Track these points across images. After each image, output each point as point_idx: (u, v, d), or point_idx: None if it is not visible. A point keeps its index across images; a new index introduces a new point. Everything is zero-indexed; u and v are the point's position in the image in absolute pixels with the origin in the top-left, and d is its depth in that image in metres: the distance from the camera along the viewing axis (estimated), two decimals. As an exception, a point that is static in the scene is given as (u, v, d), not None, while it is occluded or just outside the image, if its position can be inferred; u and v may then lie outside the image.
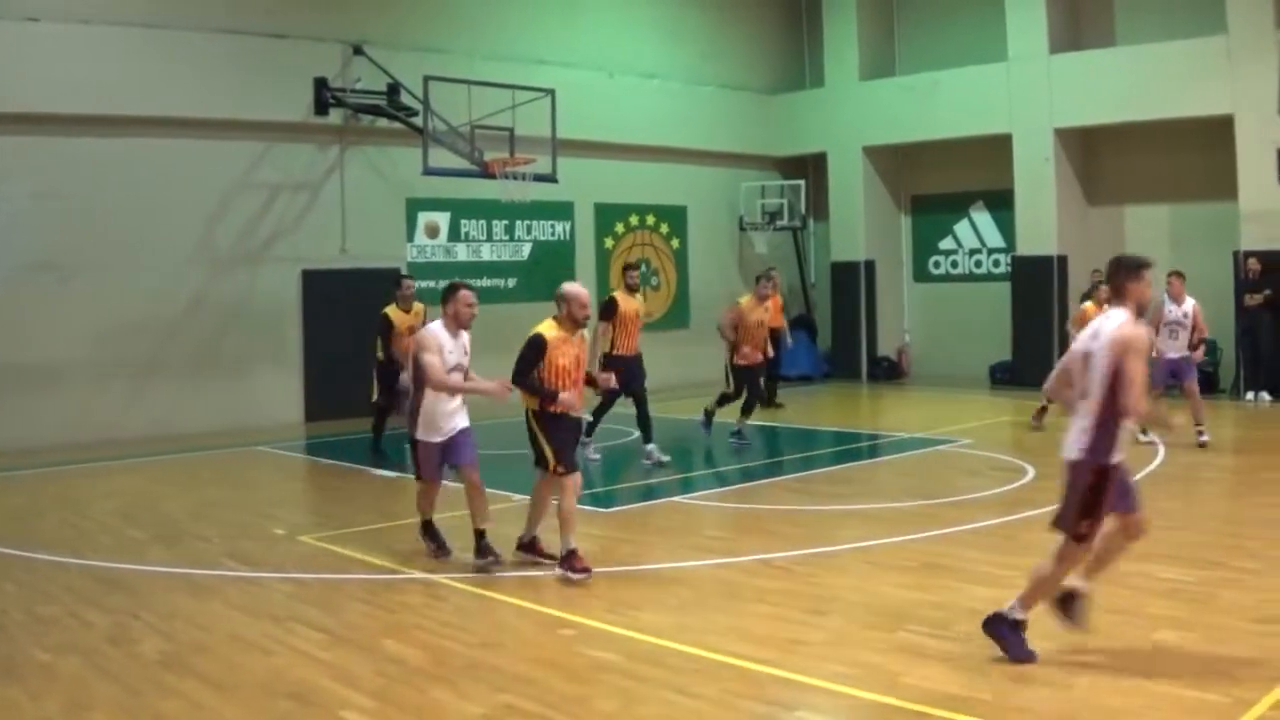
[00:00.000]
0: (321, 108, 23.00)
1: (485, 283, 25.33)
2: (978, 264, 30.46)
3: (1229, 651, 8.18)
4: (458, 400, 11.20)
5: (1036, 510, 13.24)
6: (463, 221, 25.68)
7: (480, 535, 11.12)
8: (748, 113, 31.42)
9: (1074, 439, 8.16)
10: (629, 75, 28.45)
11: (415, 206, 24.89)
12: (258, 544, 12.46)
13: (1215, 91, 24.74)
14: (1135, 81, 25.79)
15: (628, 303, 17.66)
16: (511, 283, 25.92)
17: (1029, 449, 18.35)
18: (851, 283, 30.62)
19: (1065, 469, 8.16)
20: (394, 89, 23.23)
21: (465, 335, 11.28)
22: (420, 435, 11.14)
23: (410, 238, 24.94)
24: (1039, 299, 27.44)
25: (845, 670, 7.93)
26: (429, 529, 11.73)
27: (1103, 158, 28.38)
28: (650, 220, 29.56)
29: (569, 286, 11.11)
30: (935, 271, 31.11)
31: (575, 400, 10.76)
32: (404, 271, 21.58)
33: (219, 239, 22.42)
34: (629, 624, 9.13)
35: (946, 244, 31.02)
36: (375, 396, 18.68)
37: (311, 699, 7.63)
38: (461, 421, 11.28)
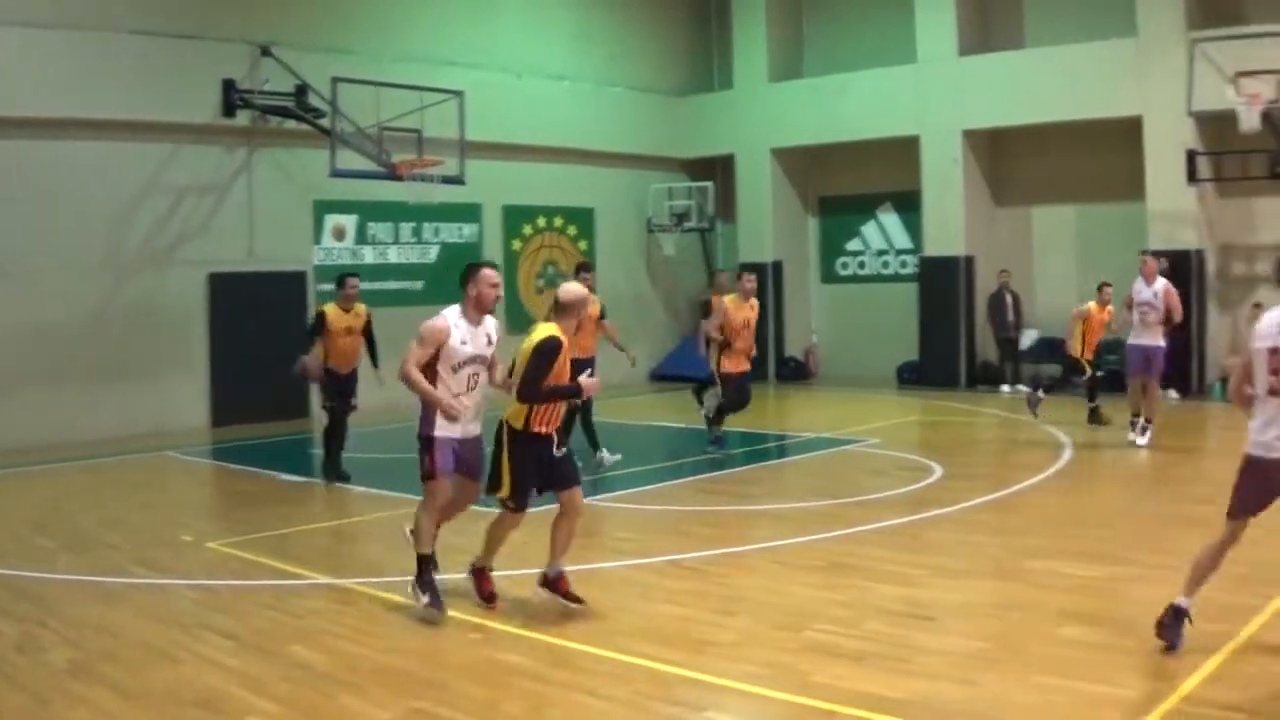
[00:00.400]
0: (229, 109, 22.76)
1: (392, 285, 25.27)
2: (885, 265, 30.66)
3: (1138, 646, 8.30)
4: (476, 398, 9.84)
5: (944, 509, 13.44)
6: (370, 224, 25.55)
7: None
8: (656, 114, 31.48)
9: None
10: (538, 77, 28.41)
11: (322, 209, 24.74)
12: (166, 550, 12.33)
13: (1124, 93, 25.06)
14: (1044, 83, 26.08)
15: (593, 303, 17.32)
16: (419, 285, 25.74)
17: (936, 448, 18.56)
18: (759, 284, 30.67)
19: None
20: (302, 90, 23.04)
21: (490, 322, 9.98)
22: (438, 431, 9.64)
23: (317, 240, 24.75)
24: (946, 299, 27.69)
25: (755, 670, 7.98)
26: (427, 568, 9.68)
27: (1011, 159, 28.65)
28: (558, 222, 29.54)
29: (570, 290, 9.71)
30: (843, 272, 31.30)
31: (594, 384, 9.95)
32: (310, 274, 21.49)
33: (126, 242, 22.16)
34: (537, 626, 9.13)
35: (854, 245, 31.19)
36: (324, 402, 16.91)
37: (219, 706, 7.59)
38: (475, 428, 9.90)
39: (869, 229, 30.97)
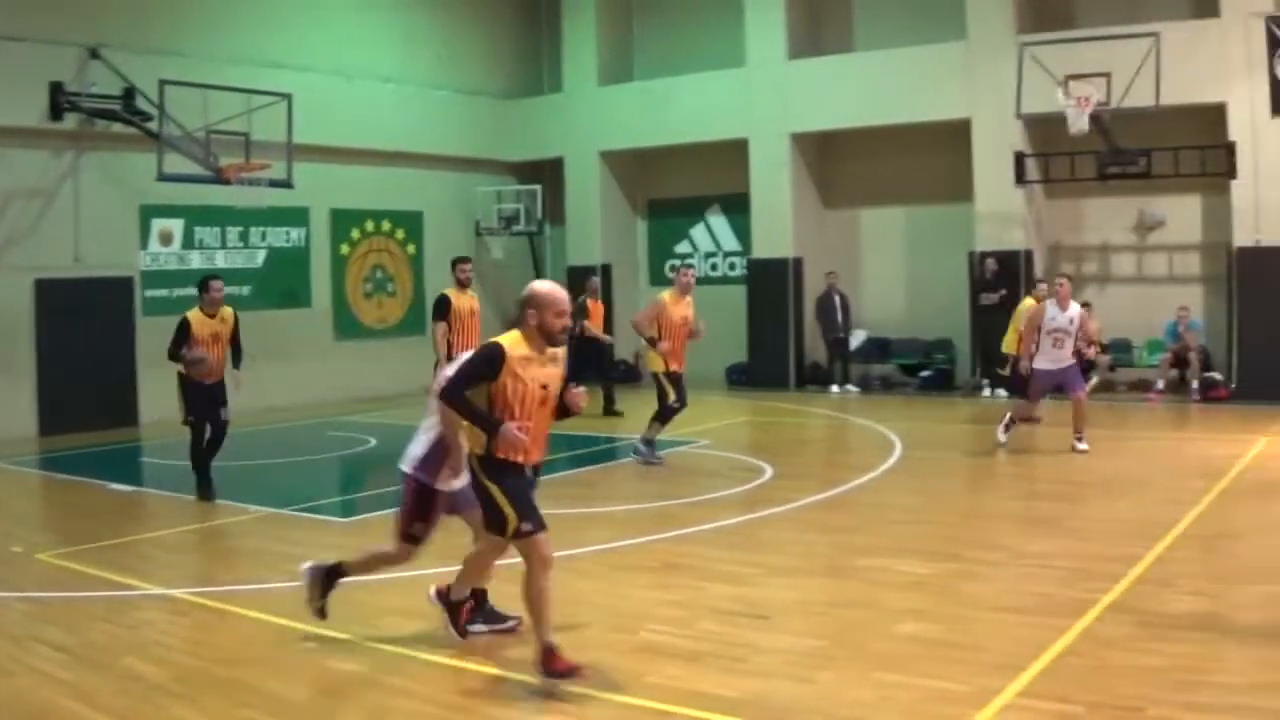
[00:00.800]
0: (56, 112, 22.19)
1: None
2: (714, 267, 30.83)
3: (971, 641, 8.46)
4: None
5: (776, 508, 13.56)
6: (197, 228, 25.09)
7: (484, 596, 9.32)
8: (485, 117, 31.35)
9: None
10: (367, 79, 28.16)
11: (149, 213, 24.25)
12: (-7, 562, 12.07)
13: (953, 96, 25.52)
14: (873, 86, 26.45)
15: (461, 299, 16.99)
16: (246, 290, 25.28)
17: (766, 448, 18.68)
18: (581, 288, 30.66)
19: None
20: (130, 93, 22.53)
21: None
22: (440, 484, 8.95)
23: (144, 245, 24.26)
24: (775, 301, 27.93)
25: (590, 672, 7.98)
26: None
27: (839, 161, 29.01)
28: (386, 226, 29.29)
29: (539, 286, 8.32)
30: (671, 275, 31.35)
31: (521, 440, 7.95)
32: (137, 279, 21.11)
33: (-50, 247, 21.60)
34: (373, 634, 9.10)
35: (682, 248, 31.35)
36: (185, 418, 15.50)
37: None
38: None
39: (697, 231, 31.15)
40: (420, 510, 9.04)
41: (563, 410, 8.46)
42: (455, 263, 17.52)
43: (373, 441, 18.59)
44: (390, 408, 19.00)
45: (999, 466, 17.08)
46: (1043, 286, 20.68)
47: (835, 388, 26.79)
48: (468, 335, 16.40)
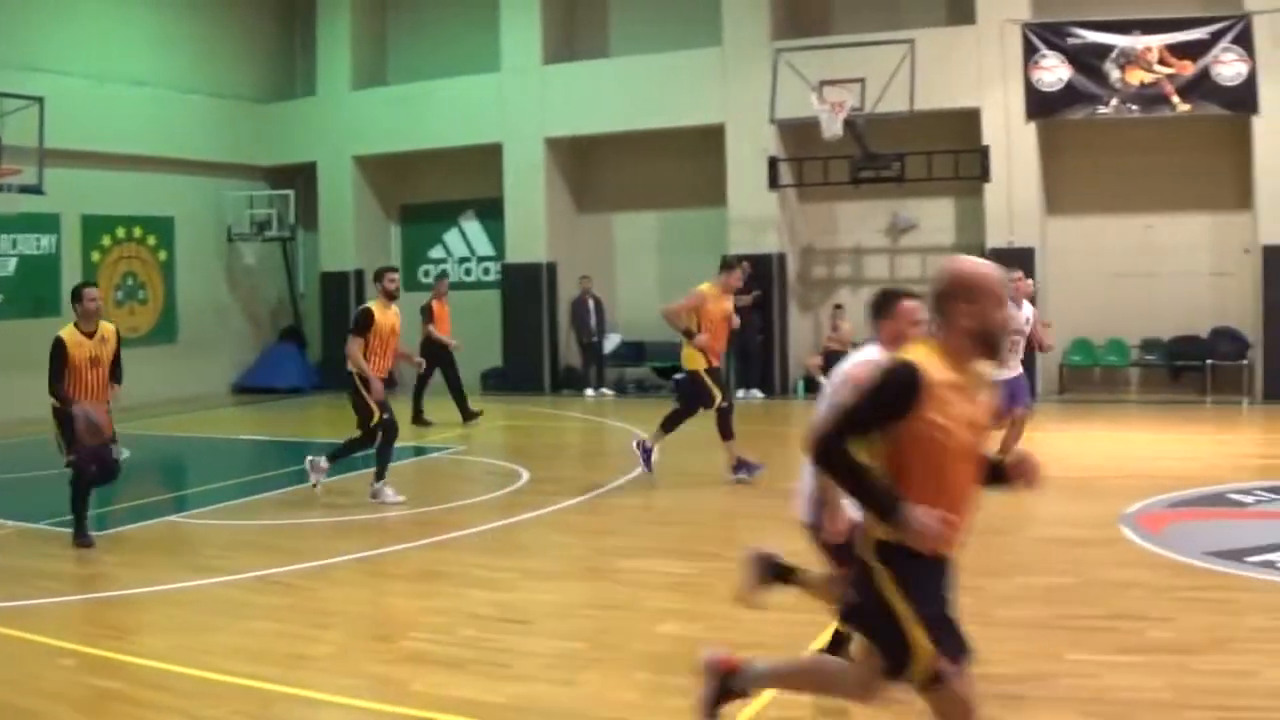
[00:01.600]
0: None
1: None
2: (468, 272, 30.71)
3: (732, 639, 8.46)
4: None
5: (533, 512, 13.53)
6: (-59, 236, 24.20)
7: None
8: (238, 121, 30.67)
9: None
10: (120, 83, 27.31)
11: (-108, 220, 23.31)
12: None
13: (708, 101, 25.80)
14: (629, 92, 26.58)
15: (385, 314, 15.30)
16: (-4, 299, 24.59)
17: (522, 452, 18.66)
18: (341, 293, 30.35)
19: None
20: (-123, 96, 21.69)
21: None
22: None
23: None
24: (529, 305, 27.90)
25: (353, 683, 7.89)
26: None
27: (593, 166, 29.13)
28: (137, 232, 28.48)
29: (967, 267, 5.31)
30: (425, 280, 31.17)
31: (943, 530, 5.18)
32: None
33: None
34: (131, 649, 8.81)
35: (436, 253, 31.14)
36: (66, 456, 12.55)
37: None
38: None
39: (451, 236, 30.97)
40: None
41: (994, 473, 5.88)
42: (382, 272, 15.72)
43: (126, 452, 18.10)
44: (143, 417, 18.57)
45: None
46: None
47: (590, 391, 26.88)
48: (385, 356, 15.16)
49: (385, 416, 14.66)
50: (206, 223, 30.06)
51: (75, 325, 12.57)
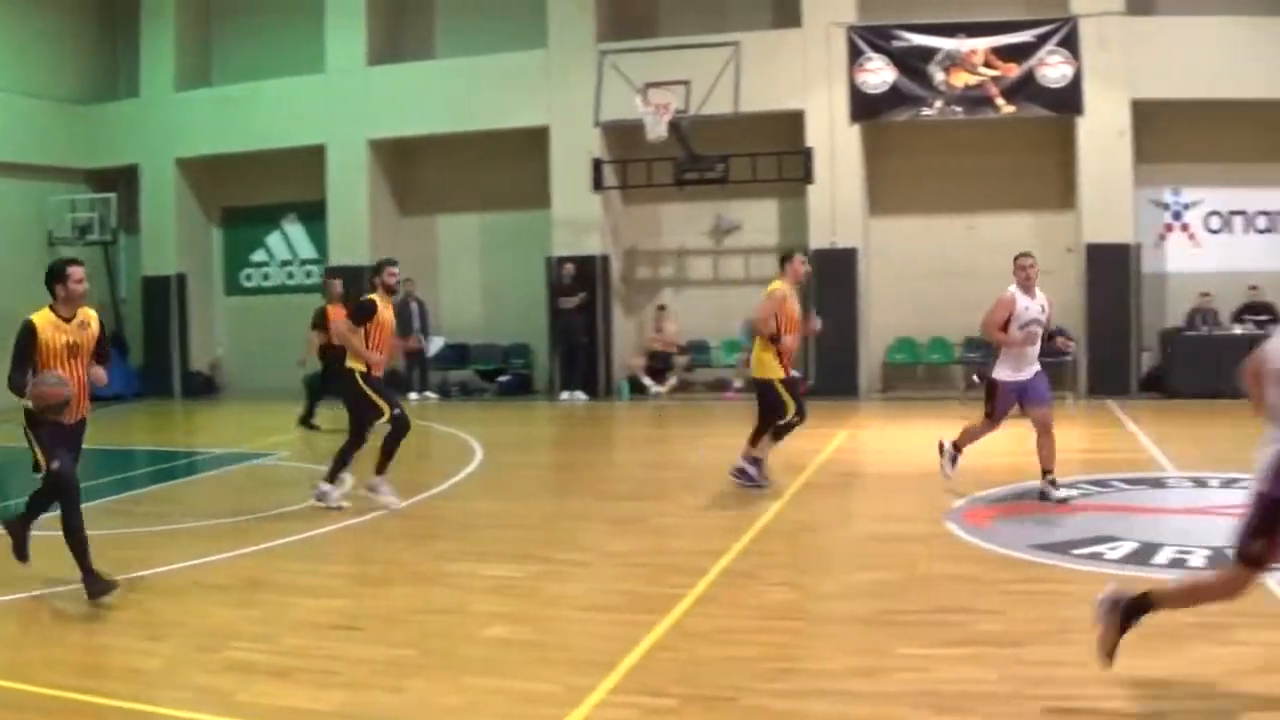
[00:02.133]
0: None
1: None
2: (290, 275, 30.48)
3: (561, 641, 8.49)
4: None
5: (361, 518, 13.42)
6: None
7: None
8: (57, 123, 30.11)
9: None
10: (-68, 84, 26.72)
11: None
12: None
13: (532, 104, 25.90)
14: (453, 94, 26.63)
15: (386, 308, 14.42)
16: None
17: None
18: (163, 297, 29.94)
19: None
20: None
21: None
22: None
23: None
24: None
25: (182, 695, 7.76)
26: None
27: (417, 168, 29.11)
28: (-48, 238, 27.86)
29: None
30: (247, 284, 30.89)
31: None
32: None
33: None
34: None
35: (259, 256, 30.89)
36: (44, 467, 10.68)
37: None
38: None
39: (274, 240, 30.71)
40: (1265, 526, 6.88)
41: None
42: (381, 265, 14.63)
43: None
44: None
45: (582, 469, 17.27)
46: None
47: (414, 394, 26.69)
48: (384, 351, 14.29)
49: (396, 411, 14.10)
50: (26, 227, 29.52)
51: (51, 308, 10.43)
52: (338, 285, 21.95)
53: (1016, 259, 13.78)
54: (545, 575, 10.63)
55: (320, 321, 21.27)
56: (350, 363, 14.14)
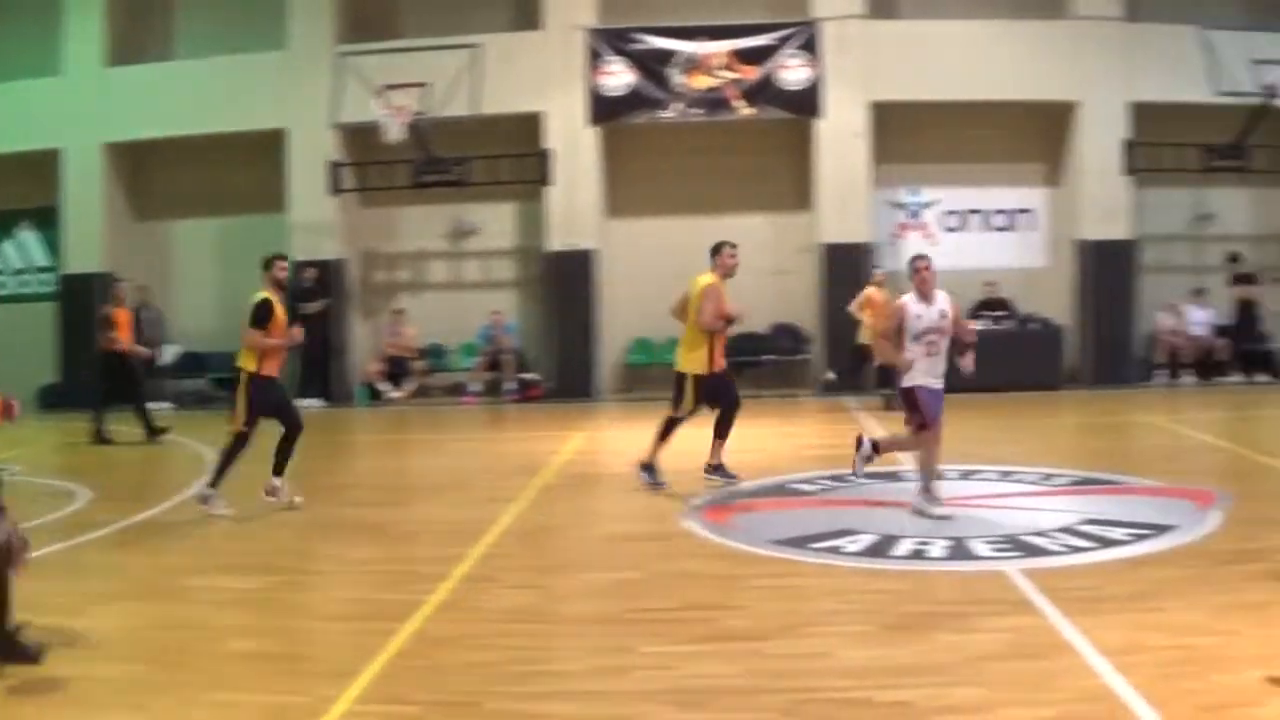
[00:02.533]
0: None
1: None
2: (24, 284, 29.65)
3: (303, 652, 8.45)
4: None
5: (96, 533, 13.12)
6: None
7: None
8: None
9: None
10: None
11: None
12: None
13: (269, 106, 25.70)
14: (190, 96, 26.29)
15: (280, 305, 14.00)
16: None
17: (81, 471, 18.02)
18: None
19: None
20: None
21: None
22: None
23: None
24: (88, 318, 26.95)
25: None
26: None
27: (152, 172, 28.63)
28: None
29: None
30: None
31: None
32: None
33: None
34: None
35: (-9, 264, 30.00)
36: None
37: None
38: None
39: (6, 248, 29.83)
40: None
41: None
42: (271, 260, 14.12)
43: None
44: None
45: (319, 476, 17.02)
46: (878, 273, 20.56)
47: (151, 405, 26.09)
48: (281, 351, 13.94)
49: (245, 429, 13.66)
50: None
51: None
52: (124, 288, 21.53)
53: (912, 262, 12.64)
54: (286, 586, 10.55)
55: (110, 325, 20.85)
56: (241, 361, 13.84)
